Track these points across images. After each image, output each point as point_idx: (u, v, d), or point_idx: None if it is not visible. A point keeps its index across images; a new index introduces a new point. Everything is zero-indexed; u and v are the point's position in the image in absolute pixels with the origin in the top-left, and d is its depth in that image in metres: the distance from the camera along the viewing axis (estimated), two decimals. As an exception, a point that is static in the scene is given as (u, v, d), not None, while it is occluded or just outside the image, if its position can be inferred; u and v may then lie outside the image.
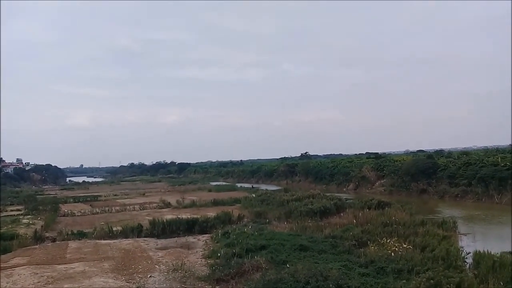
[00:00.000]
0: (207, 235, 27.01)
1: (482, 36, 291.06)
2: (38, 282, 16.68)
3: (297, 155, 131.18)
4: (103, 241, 25.85)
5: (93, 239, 26.73)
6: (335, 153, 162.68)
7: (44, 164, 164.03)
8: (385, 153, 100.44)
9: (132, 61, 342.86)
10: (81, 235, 27.97)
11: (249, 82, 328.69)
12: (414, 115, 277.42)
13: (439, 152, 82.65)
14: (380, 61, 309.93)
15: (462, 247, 21.46)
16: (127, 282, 16.61)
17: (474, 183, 48.13)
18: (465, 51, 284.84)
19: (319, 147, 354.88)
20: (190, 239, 25.97)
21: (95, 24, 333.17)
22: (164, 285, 16.33)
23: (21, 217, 38.33)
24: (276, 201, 40.48)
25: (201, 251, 22.04)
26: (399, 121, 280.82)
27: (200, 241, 25.18)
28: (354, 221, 27.88)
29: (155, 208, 43.26)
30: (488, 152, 65.45)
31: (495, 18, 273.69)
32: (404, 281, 14.74)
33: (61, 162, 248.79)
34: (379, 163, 69.00)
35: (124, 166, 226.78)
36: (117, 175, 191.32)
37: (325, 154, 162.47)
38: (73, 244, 24.89)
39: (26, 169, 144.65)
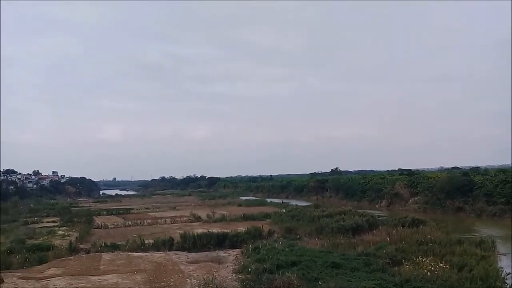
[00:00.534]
0: (237, 249, 26.94)
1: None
2: (73, 292, 16.98)
3: (327, 171, 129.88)
4: (135, 254, 26.17)
5: (125, 252, 27.11)
6: (366, 169, 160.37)
7: (79, 177, 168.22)
8: (418, 170, 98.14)
9: (163, 76, 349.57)
10: (114, 247, 28.40)
11: (278, 96, 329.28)
12: (449, 132, 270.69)
13: (475, 170, 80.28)
14: (413, 77, 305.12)
15: (502, 268, 20.74)
16: (159, 295, 16.69)
17: (512, 202, 46.46)
18: (499, 67, 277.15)
19: (350, 163, 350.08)
20: (221, 253, 25.96)
21: (126, 39, 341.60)
22: (196, 299, 16.32)
23: (56, 228, 39.31)
24: (306, 217, 40.08)
25: (232, 266, 21.96)
26: (432, 137, 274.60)
27: (231, 255, 25.12)
28: (388, 238, 27.33)
29: (185, 222, 43.50)
30: (527, 169, 63.08)
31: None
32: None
33: (95, 175, 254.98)
34: (413, 179, 67.48)
35: (155, 179, 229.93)
36: (148, 188, 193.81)
37: (355, 170, 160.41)
38: (106, 256, 25.30)
39: (62, 181, 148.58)
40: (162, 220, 44.91)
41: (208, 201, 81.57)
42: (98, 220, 46.91)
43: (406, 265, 20.12)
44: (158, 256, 25.34)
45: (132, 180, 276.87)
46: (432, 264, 19.52)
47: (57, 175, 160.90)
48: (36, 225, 42.34)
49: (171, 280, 18.91)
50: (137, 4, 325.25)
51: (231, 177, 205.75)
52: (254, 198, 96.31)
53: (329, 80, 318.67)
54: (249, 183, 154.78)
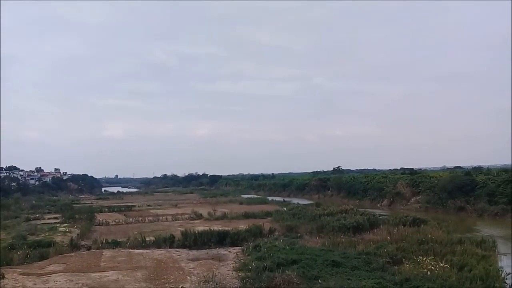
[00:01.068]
0: (238, 247, 26.97)
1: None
2: (73, 289, 17.03)
3: (329, 169, 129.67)
4: (136, 251, 26.23)
5: (126, 249, 27.16)
6: (368, 168, 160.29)
7: (81, 174, 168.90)
8: (420, 169, 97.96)
9: (166, 75, 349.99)
10: (115, 244, 28.46)
11: (281, 95, 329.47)
12: (451, 131, 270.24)
13: (478, 169, 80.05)
14: (416, 76, 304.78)
15: (502, 268, 20.74)
16: (159, 292, 16.73)
17: (514, 202, 46.36)
18: (504, 66, 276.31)
19: (352, 162, 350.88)
20: (221, 251, 26.01)
21: (130, 38, 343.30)
22: (195, 296, 16.35)
23: (58, 225, 39.47)
24: (307, 215, 40.10)
25: (232, 264, 21.99)
26: (435, 137, 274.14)
27: (231, 253, 25.16)
28: (388, 238, 27.27)
29: (187, 219, 43.63)
30: (529, 169, 62.90)
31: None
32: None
33: (97, 172, 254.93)
34: (415, 179, 67.39)
35: (157, 177, 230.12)
36: (150, 186, 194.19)
37: (358, 168, 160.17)
38: (107, 253, 25.37)
39: (64, 178, 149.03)
40: (164, 217, 44.99)
41: (209, 199, 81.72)
42: (100, 217, 47.06)
43: (407, 264, 20.10)
44: (158, 253, 25.41)
45: (134, 177, 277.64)
46: (432, 263, 19.47)
47: (59, 172, 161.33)
48: (38, 222, 42.48)
49: (171, 277, 18.95)
50: (142, 4, 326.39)
51: (233, 175, 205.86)
52: (255, 196, 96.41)
53: (333, 79, 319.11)
54: (251, 181, 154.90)
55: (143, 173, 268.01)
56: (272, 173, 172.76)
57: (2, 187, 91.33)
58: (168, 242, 28.83)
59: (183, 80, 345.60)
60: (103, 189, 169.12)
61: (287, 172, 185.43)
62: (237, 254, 24.62)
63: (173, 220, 43.15)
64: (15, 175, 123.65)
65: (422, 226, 32.43)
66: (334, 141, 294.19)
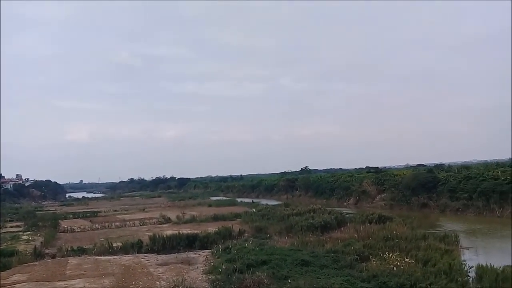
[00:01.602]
0: (207, 250, 26.89)
1: (480, 51, 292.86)
2: (38, 299, 16.55)
3: (297, 170, 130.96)
4: (103, 257, 25.72)
5: (93, 255, 26.60)
6: (335, 168, 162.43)
7: (44, 180, 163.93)
8: (385, 167, 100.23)
9: (131, 76, 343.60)
10: (81, 251, 27.86)
11: (248, 96, 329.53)
12: (413, 129, 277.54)
13: (439, 166, 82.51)
14: (379, 76, 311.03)
15: (465, 261, 21.42)
16: (128, 299, 16.47)
17: (475, 197, 47.99)
18: (464, 66, 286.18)
19: (319, 162, 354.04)
20: (191, 254, 25.86)
21: (94, 38, 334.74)
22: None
23: (20, 233, 38.24)
24: (276, 216, 40.36)
25: (202, 267, 21.89)
26: (398, 135, 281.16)
27: (201, 256, 25.05)
28: (356, 235, 27.83)
29: (155, 224, 43.08)
30: (488, 166, 65.27)
31: (493, 34, 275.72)
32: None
33: (60, 177, 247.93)
34: (380, 177, 68.85)
35: (123, 181, 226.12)
36: (116, 190, 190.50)
37: (325, 168, 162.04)
38: (73, 261, 24.76)
39: (26, 185, 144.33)
40: (131, 222, 44.31)
41: (178, 202, 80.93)
42: (64, 224, 45.88)
43: (373, 261, 20.54)
44: (126, 259, 24.99)
45: (100, 182, 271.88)
46: (398, 259, 19.97)
47: (21, 178, 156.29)
48: (-1, 231, 41.02)
49: (140, 283, 18.69)
50: (107, 3, 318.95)
51: (202, 177, 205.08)
52: (224, 198, 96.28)
53: (300, 79, 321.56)
54: (219, 183, 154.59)
55: (109, 178, 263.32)
56: (241, 175, 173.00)
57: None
58: (136, 247, 28.41)
59: (149, 81, 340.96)
60: (67, 195, 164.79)
61: (256, 173, 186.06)
62: (206, 257, 24.53)
63: (140, 225, 42.54)
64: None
65: (388, 223, 33.30)
66: (301, 141, 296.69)
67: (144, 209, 64.52)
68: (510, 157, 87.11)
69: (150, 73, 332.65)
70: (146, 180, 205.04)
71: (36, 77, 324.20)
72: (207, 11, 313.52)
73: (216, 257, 23.90)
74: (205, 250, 27.11)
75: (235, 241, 27.69)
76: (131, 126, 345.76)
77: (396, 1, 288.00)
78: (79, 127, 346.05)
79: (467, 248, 27.38)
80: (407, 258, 20.25)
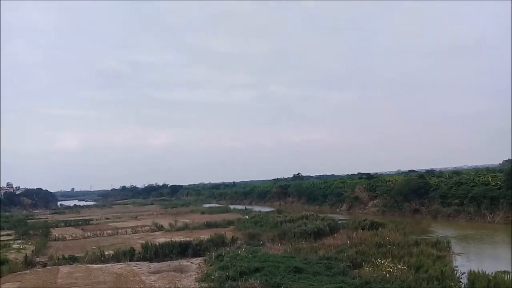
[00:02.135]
0: (200, 258, 26.77)
1: (469, 57, 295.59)
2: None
3: (290, 176, 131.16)
4: (94, 266, 25.52)
5: (84, 264, 26.38)
6: (327, 174, 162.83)
7: (35, 188, 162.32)
8: (377, 173, 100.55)
9: (121, 83, 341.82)
10: (72, 260, 27.59)
11: (238, 103, 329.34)
12: (405, 135, 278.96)
13: (431, 172, 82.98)
14: (369, 82, 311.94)
15: (457, 267, 21.51)
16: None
17: (466, 203, 48.24)
18: (454, 72, 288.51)
19: (311, 168, 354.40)
20: (183, 262, 25.75)
21: (82, 45, 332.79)
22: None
23: (11, 242, 37.92)
24: (269, 223, 40.35)
25: (195, 275, 21.80)
26: (390, 141, 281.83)
27: (194, 264, 24.95)
28: (348, 242, 27.87)
29: (147, 232, 42.87)
30: (478, 171, 65.69)
31: (482, 39, 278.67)
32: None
33: (51, 186, 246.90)
34: (372, 183, 69.08)
35: (115, 189, 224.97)
36: (108, 198, 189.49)
37: (317, 174, 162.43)
38: (64, 269, 24.54)
39: (17, 193, 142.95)
40: (123, 230, 44.04)
41: (170, 209, 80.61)
42: (56, 232, 45.48)
43: (366, 267, 20.60)
44: (118, 267, 24.82)
45: (91, 190, 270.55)
46: (390, 265, 20.05)
47: (12, 187, 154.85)
48: (-11, 239, 40.57)
49: (132, 291, 18.58)
50: (95, 10, 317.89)
51: (194, 184, 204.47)
52: (217, 205, 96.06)
53: (290, 86, 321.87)
54: (212, 190, 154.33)
55: (101, 185, 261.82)
56: (233, 182, 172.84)
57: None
58: (128, 255, 28.17)
59: (138, 88, 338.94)
60: (58, 203, 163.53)
61: (248, 180, 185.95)
62: (199, 265, 24.44)
63: (133, 233, 42.30)
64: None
65: (380, 229, 33.40)
66: (293, 147, 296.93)
67: (136, 217, 64.24)
68: (500, 162, 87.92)
69: (139, 80, 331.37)
70: (138, 187, 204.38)
71: (24, 84, 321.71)
72: (195, 18, 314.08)
73: (209, 264, 23.82)
74: (198, 258, 27.00)
75: (228, 249, 27.59)
76: (122, 133, 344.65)
77: (384, 8, 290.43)
78: (69, 134, 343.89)
79: (459, 254, 27.52)
80: (399, 264, 20.32)
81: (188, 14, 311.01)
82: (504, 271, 19.28)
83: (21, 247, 34.35)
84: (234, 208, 76.74)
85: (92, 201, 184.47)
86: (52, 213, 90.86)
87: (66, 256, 28.64)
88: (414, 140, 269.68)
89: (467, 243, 33.19)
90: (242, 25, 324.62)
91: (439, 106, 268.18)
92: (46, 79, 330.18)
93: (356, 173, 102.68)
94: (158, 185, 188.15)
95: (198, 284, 19.44)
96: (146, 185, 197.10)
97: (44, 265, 27.13)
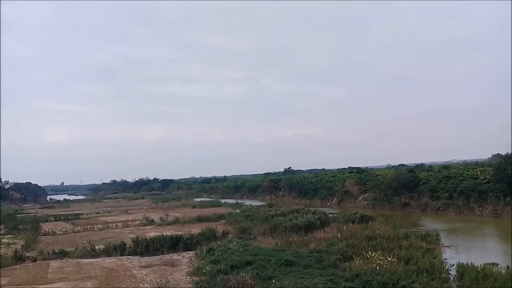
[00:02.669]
0: (191, 252, 26.77)
1: (459, 53, 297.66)
2: (19, 303, 16.30)
3: (281, 170, 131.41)
4: (85, 260, 25.42)
5: (75, 258, 26.24)
6: (318, 168, 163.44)
7: (24, 182, 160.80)
8: (367, 168, 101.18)
9: (112, 77, 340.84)
10: (62, 254, 27.42)
11: (230, 98, 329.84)
12: (395, 130, 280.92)
13: (420, 166, 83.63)
14: (360, 77, 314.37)
15: (446, 259, 21.75)
16: (111, 301, 16.33)
17: (455, 196, 48.73)
18: (443, 68, 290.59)
19: (302, 162, 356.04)
20: (175, 256, 25.73)
21: (74, 39, 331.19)
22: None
23: (0, 236, 37.50)
24: (260, 217, 40.44)
25: (186, 268, 21.80)
26: (380, 136, 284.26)
27: (185, 258, 24.94)
28: (339, 235, 28.06)
29: (138, 226, 42.74)
30: (467, 165, 66.39)
31: (473, 36, 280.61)
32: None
33: (41, 180, 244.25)
34: (362, 177, 69.46)
35: (106, 183, 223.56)
36: (99, 192, 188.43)
37: (308, 169, 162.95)
38: (54, 264, 24.42)
39: (5, 187, 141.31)
40: (114, 224, 43.84)
41: (161, 203, 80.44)
42: (46, 227, 45.15)
43: (357, 260, 20.75)
44: (109, 261, 24.75)
45: (81, 184, 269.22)
46: (380, 258, 20.20)
47: (0, 181, 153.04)
48: (-22, 234, 40.19)
49: (123, 285, 18.54)
50: (87, 4, 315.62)
51: (185, 178, 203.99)
52: (208, 199, 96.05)
53: (282, 81, 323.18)
54: (203, 184, 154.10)
55: (91, 180, 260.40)
56: (225, 176, 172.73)
57: None
58: (119, 249, 28.09)
59: (130, 83, 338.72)
60: (48, 197, 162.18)
61: (240, 174, 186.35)
62: (190, 259, 24.45)
63: (123, 227, 42.12)
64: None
65: (370, 222, 33.68)
66: (284, 142, 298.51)
67: (127, 211, 63.96)
68: (489, 157, 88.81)
69: (131, 75, 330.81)
70: (128, 181, 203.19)
71: (15, 78, 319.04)
72: (188, 12, 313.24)
73: (200, 258, 23.83)
74: (189, 252, 26.99)
75: (219, 242, 27.62)
76: (113, 127, 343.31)
77: (377, 4, 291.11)
78: (60, 128, 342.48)
79: (448, 247, 27.81)
80: (389, 257, 20.49)
81: (182, 9, 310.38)
82: (493, 263, 19.54)
83: (11, 242, 34.08)
84: (225, 202, 76.75)
85: (82, 195, 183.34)
86: (42, 208, 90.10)
87: (57, 250, 28.43)
88: (404, 135, 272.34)
89: (456, 236, 33.55)
90: (236, 20, 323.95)
91: (428, 102, 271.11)
92: (37, 74, 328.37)
93: (346, 167, 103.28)
94: (149, 179, 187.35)
95: (190, 278, 19.45)
96: (137, 179, 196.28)
97: (34, 260, 26.96)
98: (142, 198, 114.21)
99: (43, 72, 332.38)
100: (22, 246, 31.71)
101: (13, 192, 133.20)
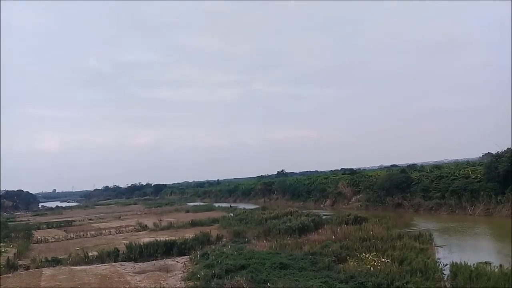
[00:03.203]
0: (185, 257, 26.67)
1: (450, 54, 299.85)
2: (12, 312, 16.14)
3: (274, 173, 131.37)
4: (78, 267, 25.23)
5: (68, 266, 26.04)
6: (311, 170, 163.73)
7: (15, 189, 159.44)
8: (359, 169, 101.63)
9: (103, 82, 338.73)
10: (55, 262, 27.17)
11: (222, 101, 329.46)
12: (387, 131, 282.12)
13: (412, 166, 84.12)
14: (352, 79, 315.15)
15: (439, 259, 21.85)
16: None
17: (447, 196, 49.04)
18: (434, 69, 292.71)
19: (295, 164, 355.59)
20: (169, 261, 25.62)
21: (64, 45, 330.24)
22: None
23: (-8, 245, 37.11)
24: (254, 220, 40.44)
25: (180, 274, 21.71)
26: (372, 137, 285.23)
27: (179, 263, 24.85)
28: (333, 237, 28.11)
29: (131, 231, 42.51)
30: (459, 165, 66.89)
31: (464, 36, 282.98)
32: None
33: (33, 187, 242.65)
34: (354, 178, 69.71)
35: (98, 189, 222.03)
36: (91, 198, 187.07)
37: (301, 171, 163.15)
38: (47, 272, 24.21)
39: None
40: (107, 230, 43.58)
41: (154, 209, 80.00)
42: (38, 234, 44.76)
43: (351, 261, 20.79)
44: (103, 268, 24.60)
45: (74, 190, 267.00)
46: (374, 259, 20.27)
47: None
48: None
49: (118, 292, 18.44)
50: (77, 9, 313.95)
51: (178, 183, 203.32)
52: (202, 203, 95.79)
53: (274, 84, 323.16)
54: (196, 188, 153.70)
55: (83, 186, 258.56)
56: (218, 180, 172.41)
57: None
58: (112, 256, 27.89)
59: (121, 88, 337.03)
60: (40, 204, 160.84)
61: (233, 177, 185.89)
62: (185, 264, 24.37)
63: (116, 233, 41.90)
64: None
65: (364, 223, 33.80)
66: (277, 144, 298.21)
67: (120, 217, 63.59)
68: (480, 156, 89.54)
69: (122, 80, 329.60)
70: (121, 187, 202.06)
71: (5, 84, 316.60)
72: (179, 16, 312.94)
73: (195, 263, 23.76)
74: (183, 257, 26.89)
75: (213, 247, 27.59)
76: (104, 133, 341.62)
77: (369, 5, 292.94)
78: (50, 135, 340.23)
79: (441, 246, 27.98)
80: (383, 258, 20.56)
81: (172, 13, 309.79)
82: (486, 262, 19.72)
83: (3, 250, 33.72)
84: (218, 206, 76.66)
85: (74, 202, 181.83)
86: (34, 215, 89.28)
87: (49, 258, 28.16)
88: (395, 136, 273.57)
89: (449, 235, 33.78)
90: (226, 24, 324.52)
91: (419, 103, 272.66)
92: (27, 80, 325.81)
93: (339, 169, 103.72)
94: (142, 184, 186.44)
95: (184, 283, 19.37)
96: (130, 185, 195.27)
97: (27, 268, 26.72)
98: (135, 203, 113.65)
99: (33, 78, 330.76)
100: (14, 254, 31.38)
101: (5, 200, 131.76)
